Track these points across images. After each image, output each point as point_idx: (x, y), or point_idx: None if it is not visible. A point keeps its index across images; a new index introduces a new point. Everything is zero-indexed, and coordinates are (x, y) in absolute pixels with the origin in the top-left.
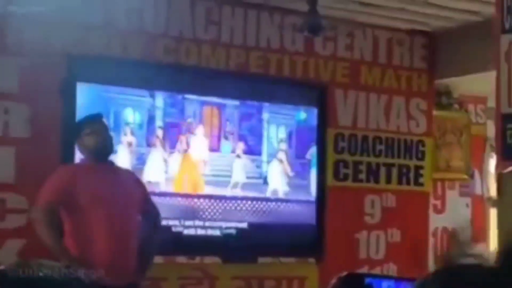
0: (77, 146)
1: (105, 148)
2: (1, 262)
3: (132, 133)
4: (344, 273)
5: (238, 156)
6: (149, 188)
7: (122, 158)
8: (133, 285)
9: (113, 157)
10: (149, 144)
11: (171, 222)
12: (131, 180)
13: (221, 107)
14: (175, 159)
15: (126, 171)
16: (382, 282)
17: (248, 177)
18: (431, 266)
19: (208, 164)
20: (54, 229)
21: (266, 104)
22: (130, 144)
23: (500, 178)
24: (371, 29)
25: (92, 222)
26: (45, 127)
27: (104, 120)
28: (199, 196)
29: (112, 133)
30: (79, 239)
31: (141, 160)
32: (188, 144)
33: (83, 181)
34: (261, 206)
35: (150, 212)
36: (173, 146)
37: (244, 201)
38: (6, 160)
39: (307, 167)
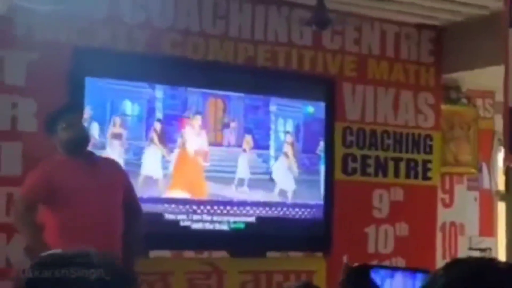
0: (54, 140)
1: (81, 140)
2: (9, 257)
3: (125, 126)
4: (355, 265)
5: (244, 150)
6: (148, 184)
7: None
8: None
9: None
10: (148, 138)
11: (179, 217)
12: (111, 170)
13: (226, 99)
14: (176, 153)
15: (106, 161)
16: (391, 274)
17: (254, 173)
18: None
19: (211, 159)
20: (33, 225)
21: (273, 98)
22: (119, 136)
23: (508, 172)
24: (379, 23)
25: (72, 216)
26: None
27: (80, 111)
28: (200, 202)
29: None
30: (59, 234)
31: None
32: (192, 138)
33: (62, 175)
34: (268, 202)
35: (131, 203)
36: (174, 141)
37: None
38: (14, 154)
39: (316, 162)
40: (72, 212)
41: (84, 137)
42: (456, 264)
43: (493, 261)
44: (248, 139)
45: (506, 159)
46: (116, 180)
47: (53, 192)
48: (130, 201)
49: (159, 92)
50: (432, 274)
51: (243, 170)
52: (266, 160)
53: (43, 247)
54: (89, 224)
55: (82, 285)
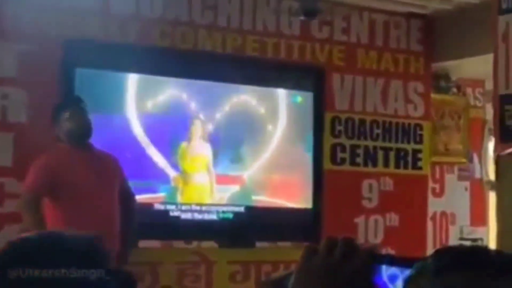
0: (56, 130)
1: (84, 132)
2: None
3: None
4: None
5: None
6: None
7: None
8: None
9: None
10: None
11: (168, 207)
12: (109, 162)
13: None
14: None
15: (104, 154)
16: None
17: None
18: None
19: (201, 150)
20: (38, 216)
21: (262, 88)
22: None
23: (498, 161)
24: (368, 12)
25: (75, 208)
26: (43, 112)
27: (83, 103)
28: None
29: (90, 117)
30: (62, 225)
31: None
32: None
33: (65, 167)
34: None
35: (126, 195)
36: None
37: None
38: (4, 145)
39: (303, 151)
40: (74, 204)
41: (87, 128)
42: (446, 251)
43: (484, 248)
44: None
45: (496, 147)
46: (114, 172)
47: (56, 183)
48: (125, 193)
49: (147, 81)
50: (422, 260)
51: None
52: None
53: None
54: (90, 214)
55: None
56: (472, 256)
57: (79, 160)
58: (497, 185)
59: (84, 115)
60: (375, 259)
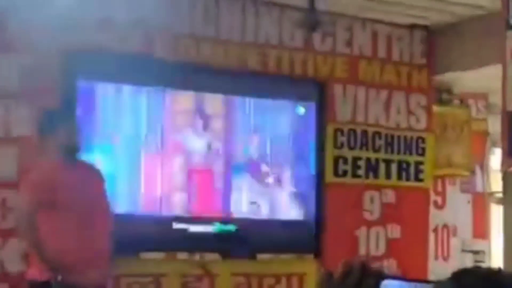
0: (46, 143)
1: (76, 146)
2: (4, 261)
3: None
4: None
5: None
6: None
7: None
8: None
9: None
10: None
11: (171, 218)
12: (96, 176)
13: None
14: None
15: (91, 167)
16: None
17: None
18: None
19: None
20: (33, 229)
21: (264, 100)
22: None
23: (506, 177)
24: (370, 24)
25: (67, 222)
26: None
27: (75, 118)
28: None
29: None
30: (57, 241)
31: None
32: (182, 143)
33: (59, 180)
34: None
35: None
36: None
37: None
38: (9, 158)
39: (306, 164)
40: (69, 218)
41: (78, 144)
42: (463, 274)
43: (499, 272)
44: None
45: (504, 162)
46: (102, 188)
47: (47, 197)
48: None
49: (150, 94)
50: (438, 283)
51: None
52: None
53: (43, 252)
54: (84, 227)
55: None
56: (488, 280)
57: (69, 174)
58: (505, 201)
59: (76, 129)
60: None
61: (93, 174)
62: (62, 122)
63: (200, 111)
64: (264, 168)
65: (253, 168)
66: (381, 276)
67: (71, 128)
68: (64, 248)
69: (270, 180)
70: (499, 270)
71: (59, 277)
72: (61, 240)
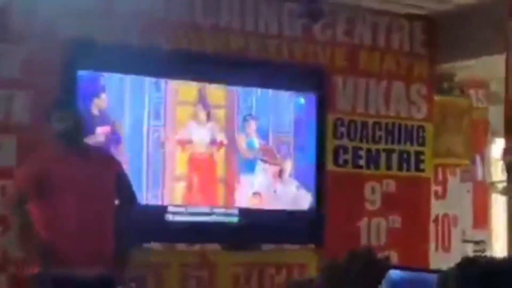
0: (50, 131)
1: (74, 132)
2: (5, 249)
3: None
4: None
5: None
6: None
7: None
8: (108, 278)
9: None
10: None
11: (172, 209)
12: (106, 163)
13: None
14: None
15: (102, 154)
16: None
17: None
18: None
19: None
20: (24, 217)
21: (264, 90)
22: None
23: (509, 166)
24: (370, 13)
25: (62, 208)
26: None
27: (75, 105)
28: None
29: (83, 117)
30: (49, 226)
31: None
32: (184, 133)
33: (54, 167)
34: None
35: (125, 192)
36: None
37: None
38: (8, 147)
39: (306, 153)
40: (60, 203)
41: (78, 130)
42: (468, 263)
43: (504, 262)
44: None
45: (506, 153)
46: (109, 172)
47: (41, 184)
48: (124, 191)
49: (151, 84)
50: (444, 273)
51: None
52: None
53: (35, 238)
54: (78, 215)
55: None
56: (493, 269)
57: (65, 160)
58: (508, 190)
59: (76, 116)
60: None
61: (98, 159)
62: (57, 109)
63: (202, 101)
64: (266, 158)
65: (254, 159)
66: (385, 264)
67: (65, 115)
68: (59, 237)
69: (272, 170)
70: (504, 260)
71: (51, 269)
72: (52, 223)
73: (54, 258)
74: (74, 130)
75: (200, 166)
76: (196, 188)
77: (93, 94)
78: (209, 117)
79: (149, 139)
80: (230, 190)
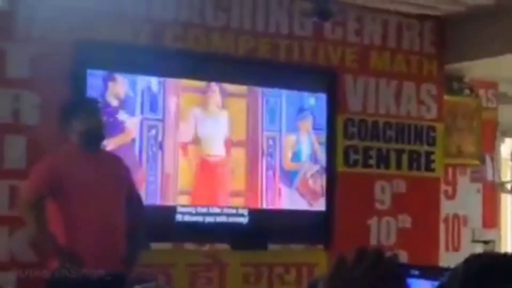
0: (68, 129)
1: (98, 133)
2: (12, 250)
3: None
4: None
5: None
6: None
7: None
8: (120, 277)
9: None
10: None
11: (181, 209)
12: (115, 164)
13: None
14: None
15: (113, 157)
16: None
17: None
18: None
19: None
20: (39, 218)
21: (275, 90)
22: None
23: None
24: (381, 13)
25: (78, 210)
26: (56, 114)
27: (99, 105)
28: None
29: (104, 119)
30: (64, 227)
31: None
32: (194, 133)
33: (71, 168)
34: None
35: (134, 200)
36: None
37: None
38: (17, 147)
39: (316, 153)
40: (77, 204)
41: (101, 131)
42: (474, 258)
43: (505, 256)
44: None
45: None
46: (120, 174)
47: (58, 184)
48: (132, 196)
49: (160, 84)
50: (453, 269)
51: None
52: None
53: (50, 239)
54: (94, 216)
55: None
56: (500, 265)
57: (81, 161)
58: None
59: (100, 116)
60: (399, 268)
61: (112, 163)
62: (82, 109)
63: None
64: (275, 157)
65: (264, 158)
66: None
67: (92, 116)
68: (76, 236)
69: (282, 169)
70: (505, 254)
71: (70, 267)
72: (68, 225)
73: (75, 258)
74: (98, 131)
75: (209, 165)
76: (206, 187)
77: (101, 94)
78: (218, 116)
79: (158, 138)
80: (239, 189)
